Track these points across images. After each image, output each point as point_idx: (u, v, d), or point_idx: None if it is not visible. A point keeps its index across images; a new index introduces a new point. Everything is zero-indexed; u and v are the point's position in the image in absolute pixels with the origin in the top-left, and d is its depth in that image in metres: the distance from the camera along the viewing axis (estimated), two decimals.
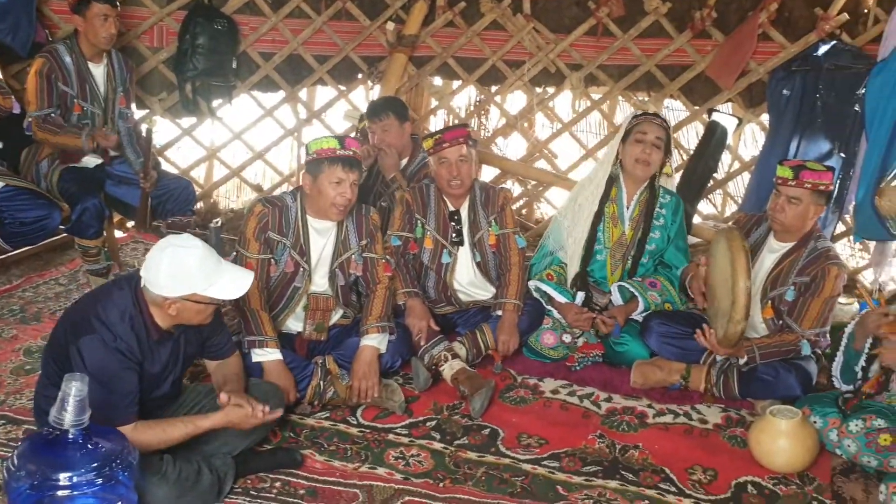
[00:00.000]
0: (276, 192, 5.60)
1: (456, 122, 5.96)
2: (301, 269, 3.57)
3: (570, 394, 3.77)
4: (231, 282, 2.70)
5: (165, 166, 5.53)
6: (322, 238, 3.60)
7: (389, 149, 4.44)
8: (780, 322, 3.71)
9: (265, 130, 6.04)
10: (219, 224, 5.07)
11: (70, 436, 2.24)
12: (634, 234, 4.12)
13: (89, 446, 2.27)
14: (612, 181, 4.13)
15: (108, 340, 2.59)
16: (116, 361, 2.59)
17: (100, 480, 2.24)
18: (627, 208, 4.13)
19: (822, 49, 4.78)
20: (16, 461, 2.24)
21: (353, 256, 3.66)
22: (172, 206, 4.60)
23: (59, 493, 2.18)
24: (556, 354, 4.00)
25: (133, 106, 4.86)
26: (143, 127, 4.80)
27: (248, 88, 5.75)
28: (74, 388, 2.23)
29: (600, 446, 3.35)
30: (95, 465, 2.24)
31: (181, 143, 6.02)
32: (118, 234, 5.29)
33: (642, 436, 3.45)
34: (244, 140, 5.98)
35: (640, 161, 3.98)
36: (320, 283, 3.64)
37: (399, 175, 4.44)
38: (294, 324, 3.67)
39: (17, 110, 4.37)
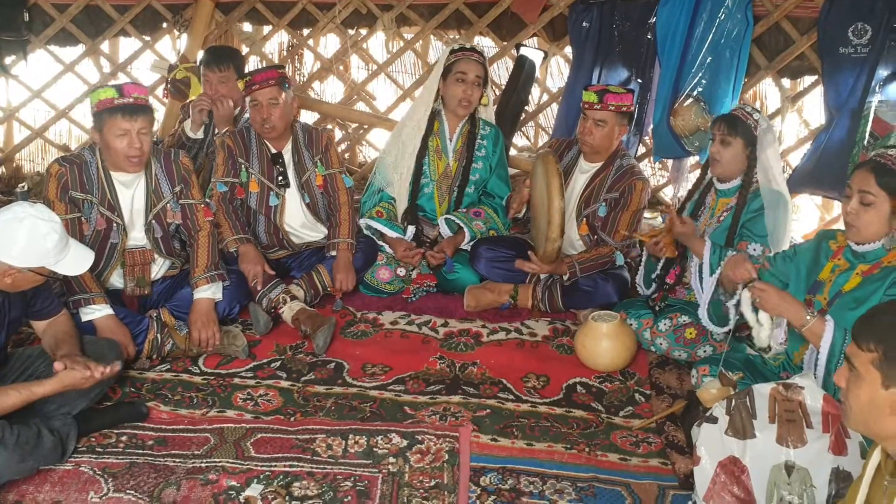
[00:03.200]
0: None
1: None
2: (115, 225, 3.43)
3: (409, 323, 3.91)
4: (76, 259, 2.71)
5: None
6: (129, 190, 3.46)
7: (226, 101, 4.30)
8: (595, 237, 4.01)
9: (67, 87, 5.73)
10: (25, 189, 4.77)
11: None
12: (458, 165, 4.28)
13: None
14: (433, 116, 4.25)
15: None
16: None
17: None
18: (450, 141, 4.28)
19: None
20: None
21: (168, 205, 3.55)
22: None
23: None
24: (392, 288, 4.12)
25: None
26: None
27: (44, 42, 5.41)
28: None
29: (441, 367, 3.52)
30: None
31: None
32: None
33: (479, 353, 3.65)
34: (45, 98, 5.65)
35: (463, 101, 4.13)
36: (137, 236, 3.51)
37: (231, 128, 4.33)
38: (118, 280, 3.55)
39: None
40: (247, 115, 4.44)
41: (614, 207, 3.94)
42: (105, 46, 5.69)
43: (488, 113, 4.45)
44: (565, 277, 3.91)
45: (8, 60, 5.27)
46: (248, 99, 3.89)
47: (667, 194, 5.58)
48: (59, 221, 2.67)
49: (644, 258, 3.83)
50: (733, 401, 2.54)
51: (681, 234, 3.48)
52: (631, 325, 3.64)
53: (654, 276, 3.75)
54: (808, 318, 2.65)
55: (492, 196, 4.37)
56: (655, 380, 3.46)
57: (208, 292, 3.54)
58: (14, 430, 2.57)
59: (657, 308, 3.66)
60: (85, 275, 3.26)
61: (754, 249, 3.38)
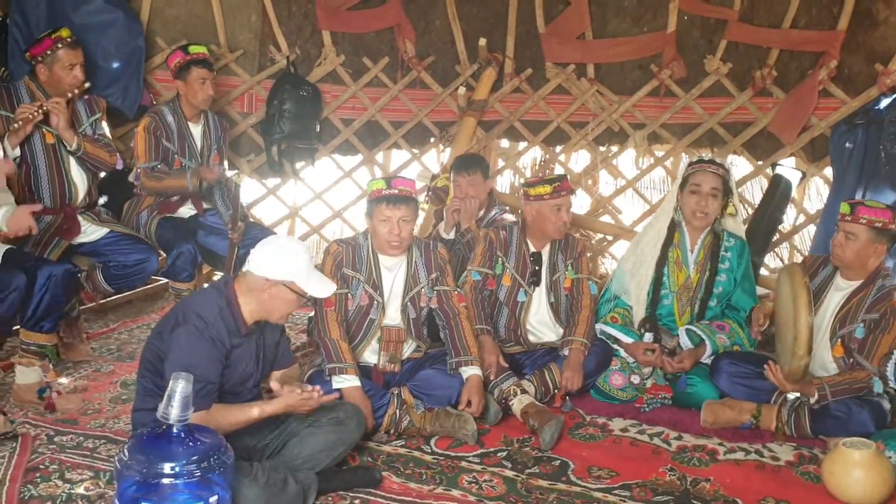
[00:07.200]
0: None
1: (521, 180, 6.18)
2: (375, 302, 3.78)
3: (640, 432, 3.83)
4: (320, 284, 3.08)
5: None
6: (392, 273, 3.83)
7: (473, 200, 4.66)
8: (851, 360, 3.73)
9: (344, 190, 6.36)
10: None
11: (174, 430, 2.44)
12: (700, 277, 4.21)
13: (190, 442, 2.46)
14: (674, 227, 4.26)
15: (201, 328, 2.87)
16: (205, 349, 2.86)
17: (198, 473, 2.41)
18: (691, 252, 4.24)
19: (884, 102, 4.90)
20: (126, 453, 2.44)
21: (423, 290, 3.85)
22: None
23: (164, 480, 2.36)
24: (625, 396, 4.06)
25: (225, 163, 5.20)
26: (232, 182, 5.12)
27: (330, 151, 6.07)
28: (181, 386, 2.43)
29: (671, 479, 3.40)
30: (196, 458, 2.42)
31: (266, 201, 6.36)
32: (204, 286, 5.58)
33: (713, 470, 3.48)
34: (324, 199, 6.28)
35: (697, 213, 4.13)
36: (393, 316, 3.83)
37: (473, 225, 4.64)
38: (370, 356, 3.85)
39: (120, 166, 4.74)
40: (493, 214, 4.72)
41: (874, 330, 3.65)
42: (379, 157, 6.32)
43: (736, 224, 4.37)
44: (813, 400, 3.65)
45: (299, 165, 5.99)
46: (546, 202, 4.07)
47: None
48: (305, 248, 3.13)
49: None
50: None
51: None
52: (890, 458, 3.30)
53: None
54: None
55: (737, 310, 4.23)
56: None
57: (473, 370, 3.76)
58: (265, 472, 2.85)
59: None
60: (343, 346, 3.63)
61: None
